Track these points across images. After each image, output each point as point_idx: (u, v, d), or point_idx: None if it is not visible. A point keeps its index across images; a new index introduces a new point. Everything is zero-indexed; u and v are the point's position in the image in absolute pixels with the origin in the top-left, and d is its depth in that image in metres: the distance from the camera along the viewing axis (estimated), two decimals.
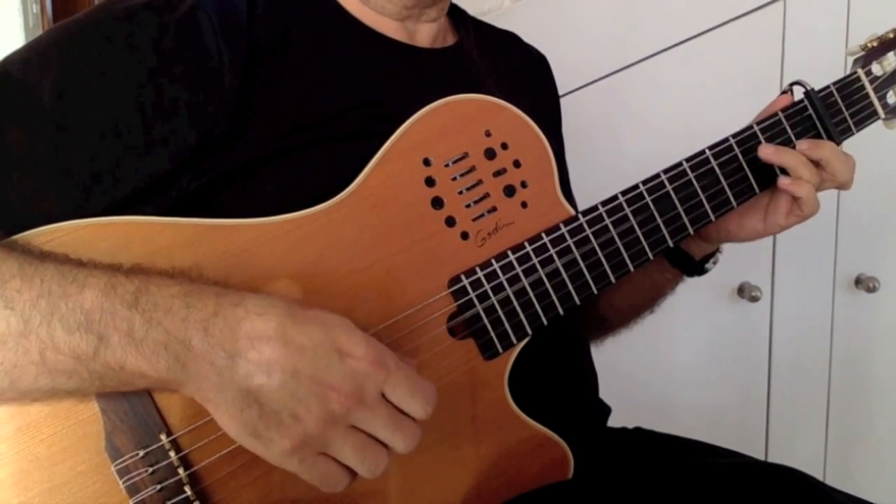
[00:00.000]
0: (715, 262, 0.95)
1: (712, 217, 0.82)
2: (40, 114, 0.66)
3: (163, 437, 0.63)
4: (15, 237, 0.62)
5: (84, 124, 0.66)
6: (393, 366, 0.61)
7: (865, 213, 1.46)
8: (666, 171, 0.81)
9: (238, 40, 0.71)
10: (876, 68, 0.89)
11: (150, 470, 0.63)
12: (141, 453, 0.63)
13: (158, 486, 0.63)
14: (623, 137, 1.38)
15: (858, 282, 1.48)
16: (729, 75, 1.37)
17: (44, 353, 0.57)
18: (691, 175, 0.81)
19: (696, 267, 0.94)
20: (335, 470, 0.60)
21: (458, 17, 0.93)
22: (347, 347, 0.60)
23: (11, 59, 0.69)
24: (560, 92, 1.07)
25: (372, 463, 0.60)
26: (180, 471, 0.63)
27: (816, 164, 0.83)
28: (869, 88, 0.89)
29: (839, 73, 0.90)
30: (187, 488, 0.63)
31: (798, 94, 0.87)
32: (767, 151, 0.83)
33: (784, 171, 0.84)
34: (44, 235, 0.63)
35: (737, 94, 1.36)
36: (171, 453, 0.63)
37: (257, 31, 0.73)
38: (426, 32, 0.86)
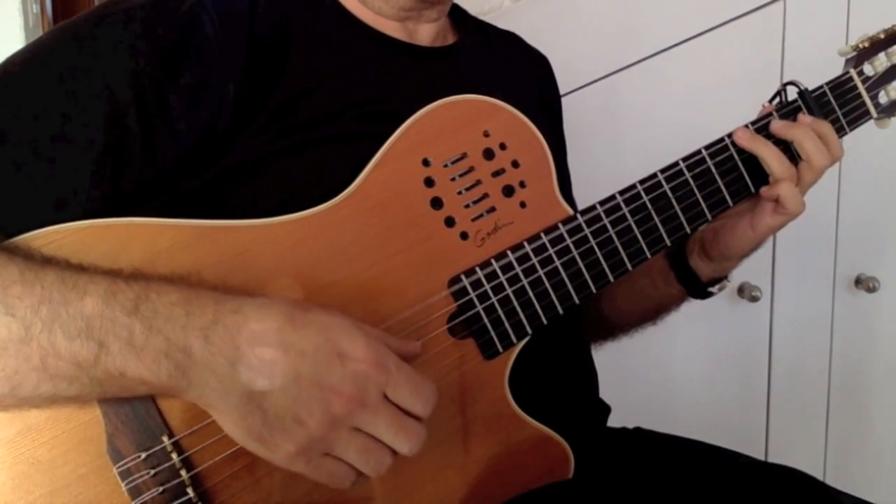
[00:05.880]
0: (721, 289, 0.95)
1: (709, 216, 0.83)
2: (41, 115, 0.66)
3: (165, 438, 0.63)
4: (15, 239, 0.62)
5: (84, 125, 0.66)
6: (393, 367, 0.61)
7: (865, 213, 1.46)
8: (663, 171, 0.81)
9: (238, 38, 0.71)
10: (867, 69, 0.90)
11: (153, 472, 0.63)
12: (143, 455, 0.63)
13: (160, 489, 0.63)
14: (623, 137, 1.38)
15: (858, 282, 1.48)
16: (729, 75, 1.37)
17: (45, 360, 0.57)
18: (688, 174, 0.82)
19: (701, 288, 0.94)
20: (342, 469, 0.61)
21: (458, 16, 0.93)
22: (348, 350, 0.60)
23: (12, 60, 0.69)
24: (560, 92, 1.07)
25: (376, 463, 0.61)
26: (182, 473, 0.63)
27: (789, 146, 0.83)
28: (861, 88, 0.90)
29: (838, 73, 0.91)
30: (190, 490, 0.63)
31: (792, 93, 0.88)
32: (741, 136, 0.83)
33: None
34: (43, 237, 0.63)
35: (737, 94, 1.35)
36: (173, 455, 0.63)
37: (258, 29, 0.73)
38: (426, 32, 0.85)
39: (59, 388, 0.58)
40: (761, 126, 0.85)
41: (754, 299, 1.42)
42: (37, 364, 0.57)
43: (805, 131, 0.83)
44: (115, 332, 0.57)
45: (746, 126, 0.85)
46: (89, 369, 0.58)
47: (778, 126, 0.84)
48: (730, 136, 0.84)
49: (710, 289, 0.94)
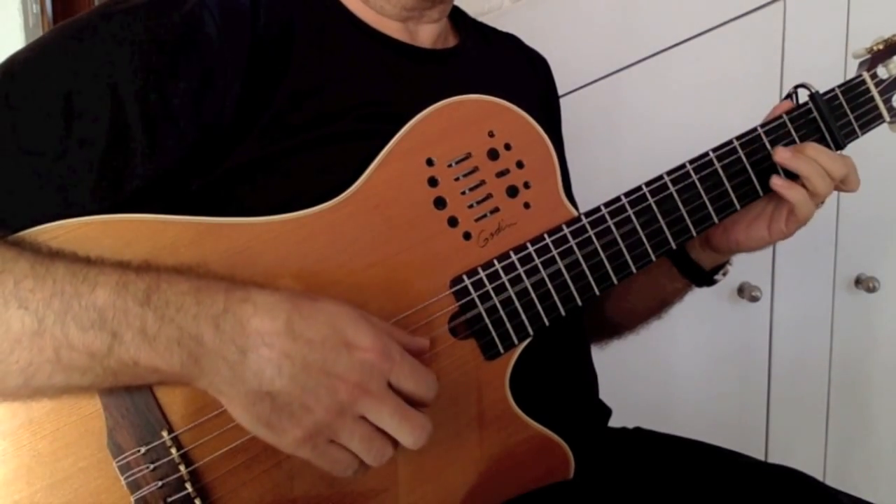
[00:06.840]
0: (724, 274, 0.95)
1: (716, 219, 0.82)
2: (44, 113, 0.66)
3: (164, 433, 0.64)
4: (20, 234, 0.63)
5: (88, 122, 0.66)
6: (398, 356, 0.63)
7: (865, 213, 1.46)
8: (669, 173, 0.81)
9: (241, 37, 0.71)
10: (882, 71, 0.88)
11: (152, 466, 0.63)
12: (142, 450, 0.63)
13: (159, 483, 0.63)
14: (623, 137, 1.38)
15: (858, 282, 1.48)
16: (729, 75, 1.37)
17: (58, 351, 0.58)
18: (695, 177, 0.81)
19: (706, 277, 0.94)
20: (345, 457, 0.62)
21: (459, 18, 0.93)
22: (354, 339, 0.61)
23: (15, 58, 0.69)
24: (560, 92, 1.06)
25: (377, 452, 0.62)
26: (181, 467, 0.64)
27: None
28: (874, 92, 0.88)
29: (839, 74, 0.90)
30: (188, 485, 0.64)
31: (803, 96, 0.87)
32: (783, 155, 0.82)
33: (788, 174, 0.83)
34: (48, 232, 0.63)
35: (737, 94, 1.36)
36: (173, 450, 0.64)
37: (260, 29, 0.73)
38: (428, 33, 0.86)
39: (73, 379, 0.60)
40: (772, 128, 0.84)
41: (754, 299, 1.42)
42: (50, 356, 0.58)
43: (809, 164, 0.81)
44: (128, 321, 0.59)
45: (759, 131, 0.84)
46: (103, 359, 0.59)
47: (784, 156, 0.82)
48: (739, 138, 0.83)
49: (715, 276, 0.94)
